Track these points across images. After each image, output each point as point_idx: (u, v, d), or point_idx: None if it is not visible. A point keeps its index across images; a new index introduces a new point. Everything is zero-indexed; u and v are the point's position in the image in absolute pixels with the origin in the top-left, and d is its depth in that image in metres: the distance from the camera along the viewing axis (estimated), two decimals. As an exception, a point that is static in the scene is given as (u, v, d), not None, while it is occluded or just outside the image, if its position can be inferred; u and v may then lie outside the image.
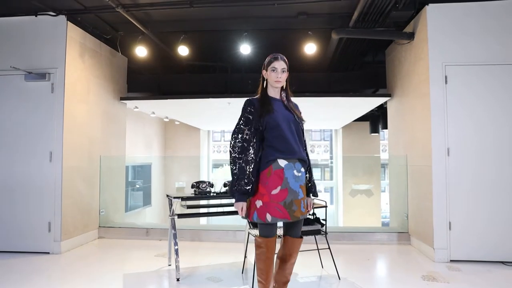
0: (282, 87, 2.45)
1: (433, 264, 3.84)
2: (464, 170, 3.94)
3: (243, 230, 4.50)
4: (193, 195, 3.65)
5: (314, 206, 3.47)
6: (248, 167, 2.23)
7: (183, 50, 5.13)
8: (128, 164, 8.49)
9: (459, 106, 3.97)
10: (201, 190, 3.63)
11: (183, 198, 3.50)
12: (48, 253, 4.22)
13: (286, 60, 2.44)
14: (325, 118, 8.30)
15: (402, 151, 4.98)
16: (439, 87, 4.00)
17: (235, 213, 3.82)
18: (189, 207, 3.62)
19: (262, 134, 2.31)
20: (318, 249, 3.61)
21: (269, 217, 2.22)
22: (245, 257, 3.79)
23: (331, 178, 13.26)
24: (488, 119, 3.92)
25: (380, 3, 4.04)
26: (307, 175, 2.43)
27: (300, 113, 2.46)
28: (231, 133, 2.34)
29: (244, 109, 2.36)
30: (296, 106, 2.49)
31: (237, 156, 2.26)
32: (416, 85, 4.42)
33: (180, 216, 3.66)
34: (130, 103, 6.18)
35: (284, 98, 2.45)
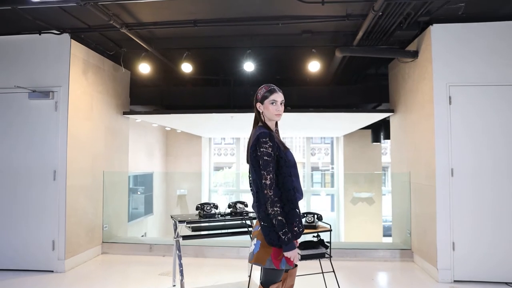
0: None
1: (436, 285, 3.85)
2: (468, 191, 3.94)
3: (247, 246, 4.51)
4: (198, 216, 3.65)
5: (319, 230, 3.49)
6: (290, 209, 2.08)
7: (186, 67, 5.14)
8: (130, 174, 8.49)
9: (463, 127, 3.98)
10: (206, 212, 3.64)
11: (188, 222, 3.50)
12: (52, 271, 4.22)
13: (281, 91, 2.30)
14: (326, 128, 8.31)
15: (405, 168, 4.99)
16: (443, 108, 4.01)
17: (238, 234, 3.85)
18: (193, 229, 3.63)
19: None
20: (322, 272, 3.61)
21: (283, 264, 2.10)
22: (249, 276, 3.80)
23: (332, 185, 13.26)
24: (492, 141, 3.92)
25: (384, 23, 4.05)
26: None
27: (248, 153, 2.24)
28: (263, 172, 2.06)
29: (265, 143, 2.09)
30: (251, 144, 2.24)
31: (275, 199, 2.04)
32: (420, 104, 4.42)
33: (185, 237, 3.66)
34: (133, 117, 6.18)
35: (278, 133, 2.30)
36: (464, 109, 3.99)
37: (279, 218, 2.00)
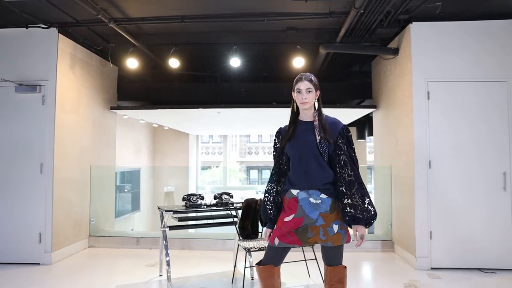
0: (315, 107, 2.29)
1: (415, 272, 4.01)
2: (445, 182, 4.12)
3: (233, 238, 4.60)
4: (184, 207, 3.74)
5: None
6: (270, 197, 2.35)
7: (174, 63, 5.20)
8: (117, 170, 8.49)
9: (440, 120, 4.16)
10: (192, 203, 3.72)
11: (174, 212, 3.59)
12: (39, 264, 4.25)
13: (313, 78, 2.27)
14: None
15: (387, 161, 5.16)
16: (422, 102, 4.18)
17: (225, 224, 3.95)
18: (180, 219, 3.71)
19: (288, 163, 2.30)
20: (305, 260, 3.74)
21: (276, 241, 2.20)
22: (235, 266, 3.90)
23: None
24: (467, 133, 4.11)
25: (366, 20, 4.18)
26: (345, 200, 2.16)
27: (335, 134, 2.22)
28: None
29: (274, 144, 2.39)
30: (332, 125, 2.26)
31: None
32: (401, 99, 4.59)
33: (172, 228, 3.75)
34: (120, 112, 6.22)
35: (316, 120, 2.27)
36: (442, 103, 4.16)
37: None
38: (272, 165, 2.39)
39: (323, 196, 2.19)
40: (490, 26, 4.15)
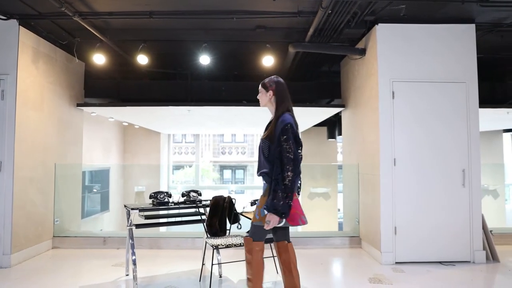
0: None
1: (380, 267, 4.13)
2: (408, 179, 4.26)
3: (202, 237, 4.58)
4: (151, 205, 3.68)
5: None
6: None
7: (142, 59, 5.12)
8: (85, 169, 8.26)
9: (404, 119, 4.30)
10: (159, 201, 3.67)
11: (140, 209, 3.53)
12: (-3, 266, 4.07)
13: (266, 80, 2.74)
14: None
15: (355, 160, 5.28)
16: (387, 102, 4.31)
17: (192, 222, 3.92)
18: (147, 217, 3.65)
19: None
20: (273, 256, 3.77)
21: None
22: (203, 264, 3.88)
23: (291, 181, 13.52)
24: (430, 132, 4.28)
25: (333, 20, 4.27)
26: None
27: (274, 131, 2.53)
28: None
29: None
30: (279, 122, 2.53)
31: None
32: (367, 99, 4.71)
33: (138, 226, 3.68)
34: (87, 109, 6.05)
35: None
36: (406, 103, 4.31)
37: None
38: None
39: (263, 182, 2.63)
40: (450, 30, 4.34)
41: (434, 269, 4.02)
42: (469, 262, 4.21)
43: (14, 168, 4.12)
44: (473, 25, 4.34)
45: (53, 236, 4.96)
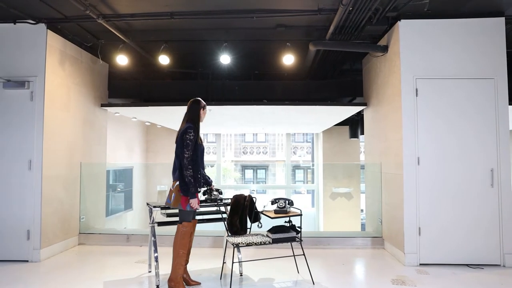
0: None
1: (403, 268, 4.03)
2: (433, 179, 4.15)
3: (222, 235, 4.61)
4: (173, 203, 3.72)
5: (291, 214, 3.63)
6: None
7: (164, 60, 5.20)
8: (109, 168, 8.46)
9: (428, 117, 4.18)
10: (180, 199, 3.71)
11: (162, 207, 3.58)
12: (27, 261, 4.23)
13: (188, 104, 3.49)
14: (305, 123, 8.47)
15: (377, 159, 5.18)
16: (410, 100, 4.21)
17: (213, 220, 3.95)
18: (168, 215, 3.70)
19: None
20: (294, 255, 3.75)
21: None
22: (224, 262, 3.91)
23: (313, 181, 13.45)
24: (455, 130, 4.15)
25: (354, 17, 4.20)
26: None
27: (178, 136, 3.40)
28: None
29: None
30: (181, 131, 3.37)
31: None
32: (390, 97, 4.61)
33: (160, 224, 3.74)
34: (111, 109, 6.20)
35: None
36: (430, 100, 4.20)
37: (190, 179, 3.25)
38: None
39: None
40: (477, 24, 4.19)
41: (461, 272, 3.90)
42: (499, 265, 4.06)
43: (43, 167, 4.27)
44: (503, 19, 4.17)
45: (79, 233, 5.11)
